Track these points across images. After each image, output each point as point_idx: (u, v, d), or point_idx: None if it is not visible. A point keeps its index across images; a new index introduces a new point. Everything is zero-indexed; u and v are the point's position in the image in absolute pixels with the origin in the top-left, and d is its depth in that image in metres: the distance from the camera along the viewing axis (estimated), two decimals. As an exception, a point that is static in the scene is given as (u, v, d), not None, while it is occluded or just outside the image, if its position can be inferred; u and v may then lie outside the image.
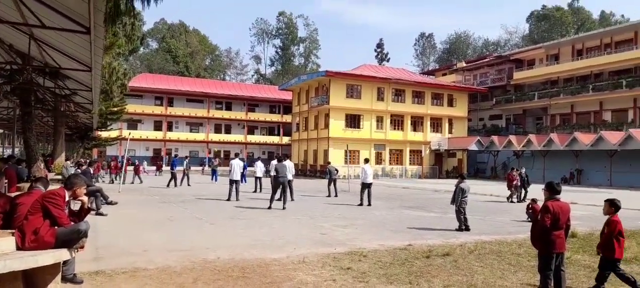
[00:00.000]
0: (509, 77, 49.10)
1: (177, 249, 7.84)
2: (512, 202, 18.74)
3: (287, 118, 57.02)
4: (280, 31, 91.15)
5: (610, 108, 40.36)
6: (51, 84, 12.87)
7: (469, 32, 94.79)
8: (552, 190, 5.59)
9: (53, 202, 4.74)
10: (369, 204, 15.82)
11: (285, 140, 57.31)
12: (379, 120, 41.94)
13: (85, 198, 5.27)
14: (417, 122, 44.00)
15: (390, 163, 42.40)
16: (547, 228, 5.33)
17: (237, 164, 16.85)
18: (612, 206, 6.00)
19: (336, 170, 20.66)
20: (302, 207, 15.27)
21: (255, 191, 20.41)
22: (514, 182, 18.99)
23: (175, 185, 22.39)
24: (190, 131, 56.70)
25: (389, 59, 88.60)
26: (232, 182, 16.57)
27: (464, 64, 57.30)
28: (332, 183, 19.76)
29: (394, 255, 7.77)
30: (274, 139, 60.26)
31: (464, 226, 10.84)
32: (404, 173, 42.27)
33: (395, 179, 38.86)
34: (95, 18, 5.87)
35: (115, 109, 30.44)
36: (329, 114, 39.48)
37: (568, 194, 20.12)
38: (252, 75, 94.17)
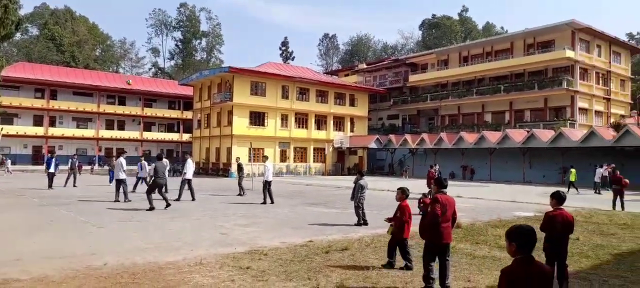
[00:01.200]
0: (405, 79, 52.20)
1: (57, 256, 7.09)
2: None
3: (188, 114, 54.75)
4: (181, 23, 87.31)
5: (491, 110, 44.80)
6: None
7: (370, 35, 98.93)
8: (439, 185, 6.02)
9: None
10: (272, 202, 15.79)
11: (186, 137, 55.03)
12: (284, 118, 42.05)
13: None
14: (320, 121, 44.90)
15: (294, 161, 42.75)
16: (439, 218, 5.66)
17: (122, 163, 16.07)
18: (404, 193, 7.09)
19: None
20: (203, 206, 14.75)
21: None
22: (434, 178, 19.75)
23: (51, 187, 20.21)
24: (78, 127, 51.84)
25: (294, 57, 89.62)
26: (118, 182, 15.69)
27: (365, 66, 59.78)
28: (241, 181, 19.46)
29: (294, 252, 7.79)
30: (174, 136, 57.53)
31: (362, 221, 11.25)
32: (308, 171, 42.93)
33: (299, 176, 39.29)
34: (-49, -7, 5.07)
35: (-15, 101, 26.85)
36: (232, 111, 38.65)
37: (455, 189, 21.96)
38: (150, 69, 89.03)
